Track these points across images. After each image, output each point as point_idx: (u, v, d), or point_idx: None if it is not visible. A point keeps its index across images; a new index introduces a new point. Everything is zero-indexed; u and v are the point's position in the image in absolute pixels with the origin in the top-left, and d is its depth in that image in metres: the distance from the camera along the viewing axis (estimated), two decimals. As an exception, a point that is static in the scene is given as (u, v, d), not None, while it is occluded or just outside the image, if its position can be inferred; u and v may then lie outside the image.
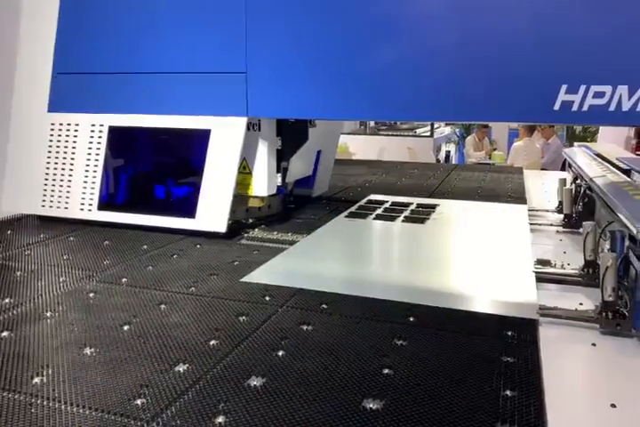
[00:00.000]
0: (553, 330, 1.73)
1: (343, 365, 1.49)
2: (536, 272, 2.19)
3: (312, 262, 2.45)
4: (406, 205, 3.49)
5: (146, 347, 1.58)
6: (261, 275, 2.22)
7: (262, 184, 2.94)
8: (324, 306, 1.89)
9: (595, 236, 2.09)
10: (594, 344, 1.65)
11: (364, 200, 3.65)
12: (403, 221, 3.13)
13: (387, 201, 3.60)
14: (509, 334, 1.67)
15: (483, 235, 2.90)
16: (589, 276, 2.08)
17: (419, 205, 3.47)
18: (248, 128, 2.76)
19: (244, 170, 2.92)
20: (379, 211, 3.34)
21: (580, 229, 2.43)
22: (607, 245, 2.04)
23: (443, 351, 1.57)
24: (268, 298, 1.96)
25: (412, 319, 1.78)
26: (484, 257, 2.51)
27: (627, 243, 1.85)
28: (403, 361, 1.51)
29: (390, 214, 3.25)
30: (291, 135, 3.08)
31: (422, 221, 3.11)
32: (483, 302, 1.99)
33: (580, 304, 1.91)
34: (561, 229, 2.95)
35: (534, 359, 1.52)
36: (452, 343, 1.62)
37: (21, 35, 3.09)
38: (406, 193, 3.95)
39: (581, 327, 1.74)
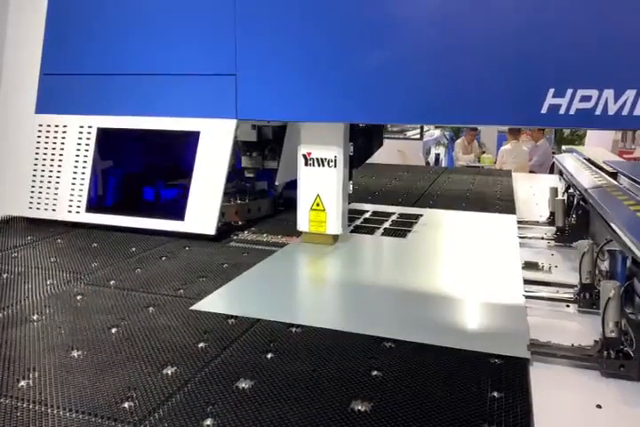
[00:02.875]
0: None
1: (332, 367, 1.49)
2: (527, 296, 1.99)
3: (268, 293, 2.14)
4: (388, 215, 3.28)
5: (134, 350, 1.58)
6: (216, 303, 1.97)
7: (337, 222, 2.68)
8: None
9: (592, 256, 1.90)
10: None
11: None
12: (382, 233, 2.91)
13: (367, 211, 3.38)
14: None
15: (468, 252, 2.67)
16: (586, 301, 1.89)
17: (401, 215, 3.28)
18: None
19: (318, 207, 2.68)
20: (357, 222, 3.12)
21: (574, 244, 2.20)
22: (605, 266, 1.91)
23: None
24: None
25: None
26: (468, 278, 2.28)
27: (628, 264, 1.69)
28: (391, 363, 1.51)
29: (370, 226, 3.03)
30: (362, 141, 2.89)
31: (404, 234, 2.90)
32: (466, 337, 1.73)
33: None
34: (553, 243, 2.70)
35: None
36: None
37: (8, 35, 3.07)
38: (395, 195, 3.96)
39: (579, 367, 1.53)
